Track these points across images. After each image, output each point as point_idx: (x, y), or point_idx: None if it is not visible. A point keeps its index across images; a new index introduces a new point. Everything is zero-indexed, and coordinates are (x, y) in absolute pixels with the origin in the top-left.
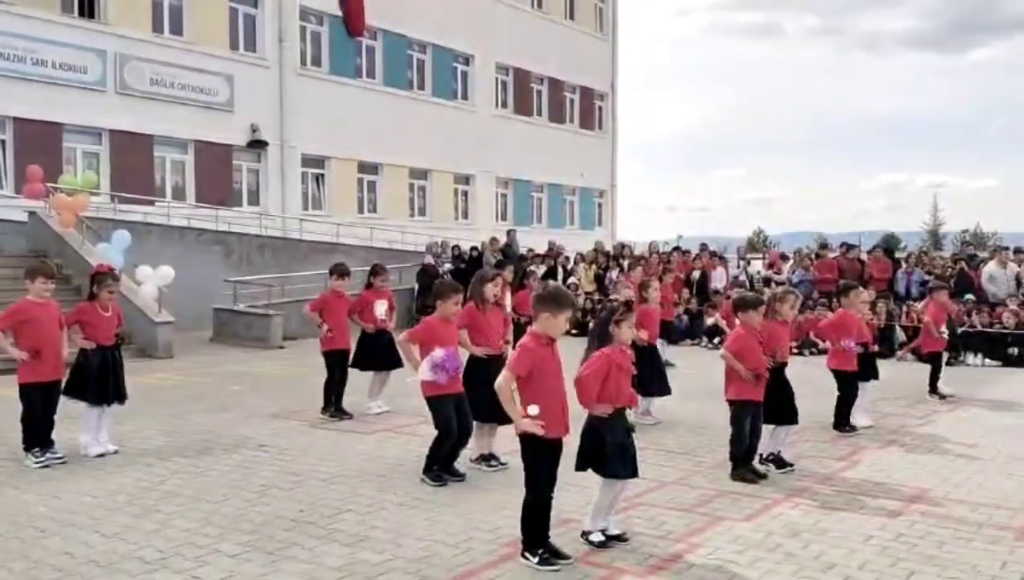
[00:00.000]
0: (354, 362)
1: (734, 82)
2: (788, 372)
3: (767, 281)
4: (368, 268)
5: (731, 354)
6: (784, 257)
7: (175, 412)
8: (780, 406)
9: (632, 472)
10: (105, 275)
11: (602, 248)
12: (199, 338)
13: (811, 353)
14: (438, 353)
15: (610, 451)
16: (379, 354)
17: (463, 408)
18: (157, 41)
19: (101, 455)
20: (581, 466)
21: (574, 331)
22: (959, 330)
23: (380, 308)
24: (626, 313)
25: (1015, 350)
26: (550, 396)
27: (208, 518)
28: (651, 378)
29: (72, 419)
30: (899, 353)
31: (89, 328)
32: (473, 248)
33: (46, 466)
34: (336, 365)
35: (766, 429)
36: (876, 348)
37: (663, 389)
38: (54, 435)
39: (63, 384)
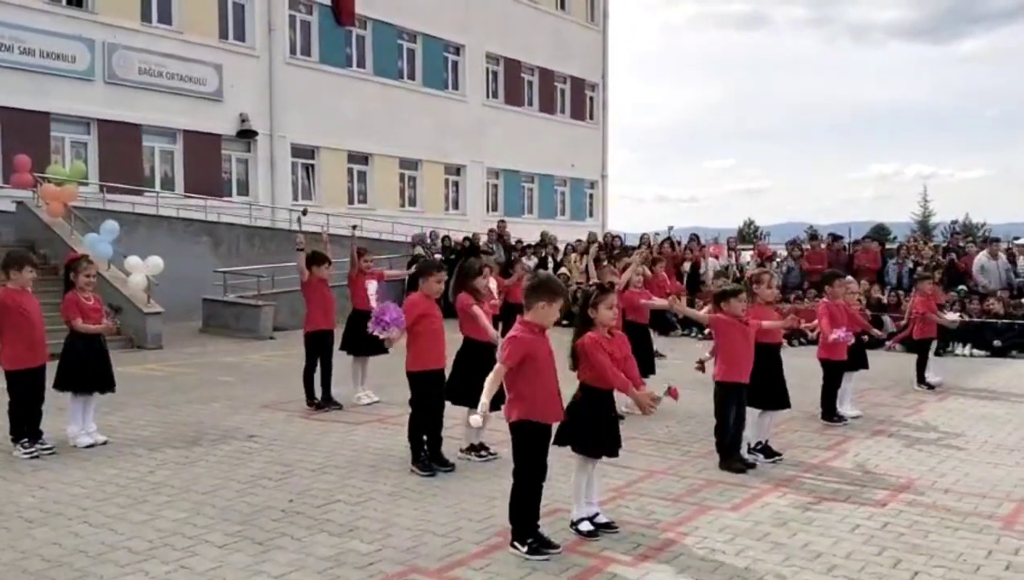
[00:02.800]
0: (341, 345)
1: (723, 72)
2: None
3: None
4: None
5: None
6: (772, 258)
7: (164, 403)
8: (770, 390)
9: (609, 450)
10: (79, 260)
11: (594, 238)
12: (188, 329)
13: (800, 343)
14: (377, 307)
15: (591, 429)
16: (362, 337)
17: (439, 383)
18: (145, 30)
19: (90, 446)
20: (560, 441)
21: (565, 322)
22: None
23: (371, 287)
24: (602, 294)
25: (998, 342)
26: (540, 385)
27: (197, 508)
28: (637, 358)
29: (60, 410)
30: (887, 343)
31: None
32: (466, 238)
33: (35, 457)
34: (318, 348)
35: (751, 415)
36: (875, 333)
37: (646, 369)
38: (43, 426)
39: (46, 375)
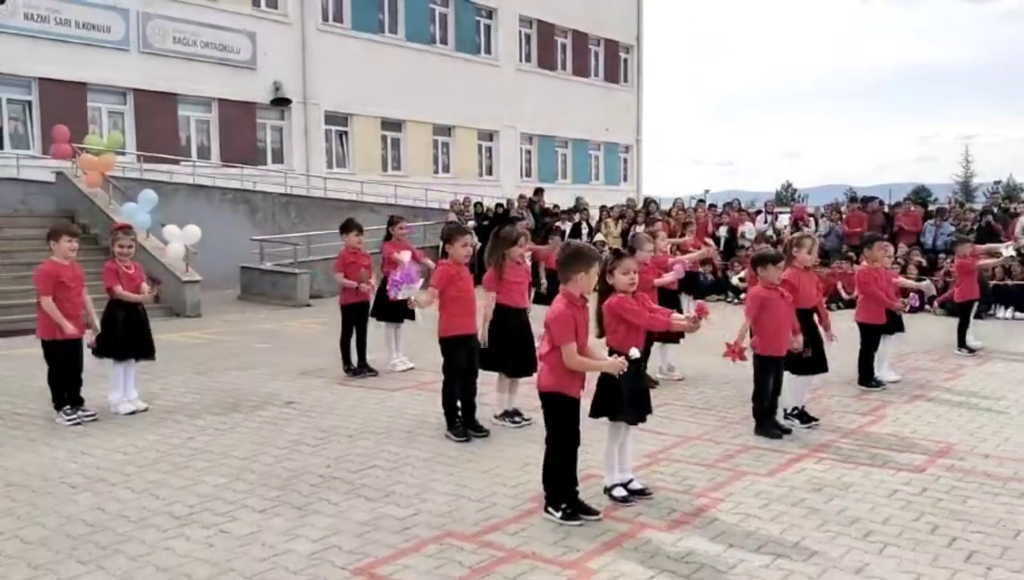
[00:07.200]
0: (371, 311)
1: (757, 31)
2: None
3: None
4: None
5: (750, 321)
6: (811, 216)
7: (203, 370)
8: (809, 355)
9: (639, 417)
10: (117, 230)
11: (634, 205)
12: (226, 297)
13: (837, 306)
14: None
15: (624, 397)
16: (391, 304)
17: (473, 348)
18: None
19: (132, 413)
20: (596, 413)
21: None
22: (990, 284)
23: (405, 256)
24: (616, 261)
25: None
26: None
27: (236, 474)
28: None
29: (101, 378)
30: (928, 307)
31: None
32: (498, 205)
33: (78, 423)
34: (353, 319)
35: (788, 380)
36: (896, 306)
37: (677, 335)
38: (84, 393)
39: (82, 344)
